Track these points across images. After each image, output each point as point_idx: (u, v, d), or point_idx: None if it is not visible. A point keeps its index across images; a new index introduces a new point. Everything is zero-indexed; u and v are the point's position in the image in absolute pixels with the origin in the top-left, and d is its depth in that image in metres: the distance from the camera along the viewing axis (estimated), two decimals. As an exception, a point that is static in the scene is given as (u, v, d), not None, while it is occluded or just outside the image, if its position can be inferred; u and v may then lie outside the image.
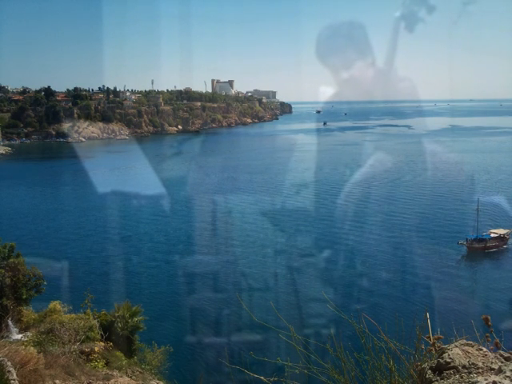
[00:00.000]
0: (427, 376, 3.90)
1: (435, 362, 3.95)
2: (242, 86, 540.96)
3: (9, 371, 7.52)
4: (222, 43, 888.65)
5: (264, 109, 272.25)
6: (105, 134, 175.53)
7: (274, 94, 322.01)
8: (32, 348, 11.53)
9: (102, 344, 17.50)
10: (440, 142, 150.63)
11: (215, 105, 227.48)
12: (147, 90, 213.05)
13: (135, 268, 46.85)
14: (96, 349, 16.26)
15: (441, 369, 3.86)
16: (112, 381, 11.32)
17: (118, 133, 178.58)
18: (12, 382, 7.40)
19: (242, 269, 45.67)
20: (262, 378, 4.29)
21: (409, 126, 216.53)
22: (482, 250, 50.74)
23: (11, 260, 20.65)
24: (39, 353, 10.36)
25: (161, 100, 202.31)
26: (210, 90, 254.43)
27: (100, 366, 14.96)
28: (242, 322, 33.43)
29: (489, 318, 4.25)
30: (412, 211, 65.44)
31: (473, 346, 4.03)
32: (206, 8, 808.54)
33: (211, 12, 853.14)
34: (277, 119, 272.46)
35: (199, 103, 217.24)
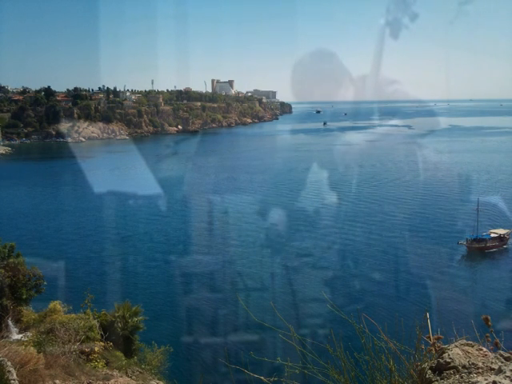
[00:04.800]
0: (427, 376, 3.90)
1: (435, 362, 3.95)
2: (242, 86, 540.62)
3: (9, 371, 7.52)
4: (221, 43, 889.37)
5: (264, 109, 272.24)
6: (105, 134, 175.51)
7: (274, 94, 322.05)
8: (32, 348, 11.52)
9: (102, 344, 17.48)
10: (440, 141, 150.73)
11: (215, 105, 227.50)
12: (147, 90, 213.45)
13: (135, 268, 46.86)
14: (96, 349, 16.23)
15: (441, 369, 3.86)
16: (112, 381, 11.32)
17: (117, 133, 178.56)
18: (12, 382, 7.40)
19: (242, 269, 45.69)
20: (262, 378, 4.29)
21: (409, 126, 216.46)
22: (481, 250, 50.74)
23: (11, 260, 20.62)
24: (39, 353, 10.36)
25: (161, 100, 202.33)
26: (210, 90, 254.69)
27: (100, 366, 14.95)
28: (242, 322, 33.45)
29: (489, 317, 4.25)
30: (412, 211, 65.42)
31: (473, 346, 4.03)
32: (206, 8, 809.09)
33: (210, 12, 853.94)
34: (277, 119, 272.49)
35: (199, 103, 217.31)
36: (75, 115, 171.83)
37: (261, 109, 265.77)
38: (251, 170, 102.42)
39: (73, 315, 18.72)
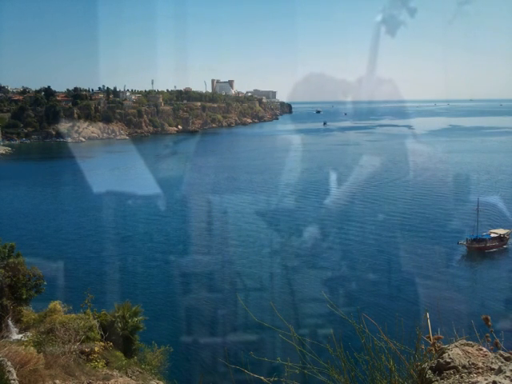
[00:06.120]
0: (427, 376, 3.89)
1: (435, 361, 3.95)
2: (242, 86, 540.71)
3: (9, 371, 7.52)
4: (221, 43, 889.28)
5: (264, 109, 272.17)
6: (105, 134, 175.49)
7: (274, 94, 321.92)
8: (32, 348, 11.51)
9: (102, 344, 17.48)
10: (440, 141, 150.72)
11: (215, 105, 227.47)
12: (147, 90, 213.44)
13: (135, 268, 46.86)
14: (96, 349, 16.23)
15: (441, 369, 3.86)
16: (112, 381, 11.31)
17: (117, 133, 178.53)
18: (12, 382, 7.40)
19: (242, 269, 45.69)
20: (262, 378, 4.29)
21: (409, 126, 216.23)
22: (481, 250, 50.74)
23: (11, 260, 20.61)
24: (39, 353, 10.35)
25: (161, 100, 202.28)
26: (210, 90, 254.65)
27: (100, 366, 14.95)
28: (242, 322, 33.44)
29: (489, 317, 4.25)
30: (412, 211, 65.44)
31: (473, 346, 4.03)
32: (206, 8, 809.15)
33: (210, 12, 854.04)
34: (277, 119, 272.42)
35: (199, 103, 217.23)
36: (75, 115, 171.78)
37: (261, 109, 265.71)
38: (251, 170, 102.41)
39: (73, 315, 18.70)
